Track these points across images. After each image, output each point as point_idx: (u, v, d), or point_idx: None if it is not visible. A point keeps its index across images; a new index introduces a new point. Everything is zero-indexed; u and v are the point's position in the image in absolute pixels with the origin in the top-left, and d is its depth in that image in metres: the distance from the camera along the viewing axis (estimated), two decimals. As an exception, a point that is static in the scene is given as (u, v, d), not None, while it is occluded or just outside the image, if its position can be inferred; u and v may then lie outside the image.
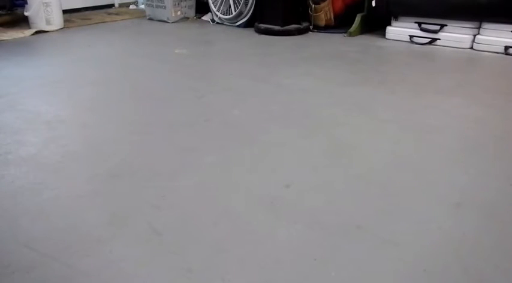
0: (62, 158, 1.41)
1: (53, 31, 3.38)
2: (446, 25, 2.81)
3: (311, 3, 3.23)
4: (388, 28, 3.07)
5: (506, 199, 1.17)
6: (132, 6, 4.50)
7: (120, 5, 4.55)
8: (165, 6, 3.68)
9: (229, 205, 1.15)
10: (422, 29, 2.89)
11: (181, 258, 0.96)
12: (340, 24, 3.28)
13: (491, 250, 0.98)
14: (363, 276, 0.92)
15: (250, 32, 3.32)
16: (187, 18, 3.85)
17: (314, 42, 3.04)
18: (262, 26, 3.26)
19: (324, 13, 3.25)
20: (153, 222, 1.08)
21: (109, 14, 4.16)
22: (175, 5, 3.70)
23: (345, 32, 3.17)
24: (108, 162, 1.38)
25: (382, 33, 3.11)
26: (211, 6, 3.60)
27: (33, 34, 3.24)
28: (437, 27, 2.83)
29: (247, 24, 3.44)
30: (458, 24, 2.78)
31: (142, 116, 1.76)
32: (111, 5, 4.51)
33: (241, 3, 3.37)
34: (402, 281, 0.90)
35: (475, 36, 2.75)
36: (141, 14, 4.07)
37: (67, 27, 3.50)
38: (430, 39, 2.87)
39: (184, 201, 1.17)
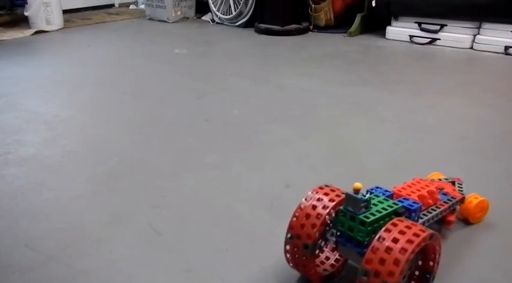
0: (62, 158, 1.41)
1: (53, 31, 3.38)
2: (446, 25, 2.81)
3: (311, 3, 3.23)
4: (388, 28, 3.07)
5: (506, 199, 1.17)
6: (132, 6, 4.50)
7: (120, 5, 4.55)
8: (165, 6, 3.68)
9: (229, 205, 1.15)
10: (422, 29, 2.89)
11: (181, 258, 0.96)
12: (340, 24, 3.28)
13: (491, 250, 0.98)
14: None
15: (250, 32, 3.32)
16: (187, 18, 3.85)
17: (314, 42, 3.04)
18: (262, 26, 3.27)
19: (324, 13, 3.26)
20: (153, 222, 1.08)
21: (109, 14, 4.17)
22: (175, 5, 3.70)
23: (345, 32, 3.17)
24: (108, 162, 1.38)
25: (382, 33, 3.11)
26: (211, 6, 3.60)
27: (33, 34, 3.24)
28: (437, 27, 2.83)
29: (247, 24, 3.44)
30: (458, 24, 2.78)
31: (142, 116, 1.77)
32: (111, 5, 4.51)
33: (241, 3, 3.37)
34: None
35: (475, 36, 2.75)
36: (141, 14, 4.07)
37: (67, 27, 3.50)
38: (430, 39, 2.88)
39: (184, 201, 1.17)
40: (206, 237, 1.02)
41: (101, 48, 2.91)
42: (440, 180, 1.10)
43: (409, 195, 0.89)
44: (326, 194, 0.83)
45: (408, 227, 0.72)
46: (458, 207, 1.04)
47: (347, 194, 0.78)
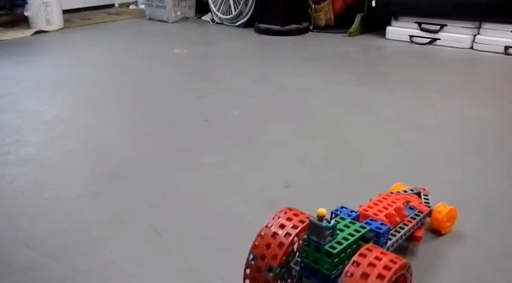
0: (62, 158, 1.41)
1: (53, 31, 3.38)
2: (446, 25, 2.81)
3: (311, 3, 3.23)
4: (388, 28, 3.07)
5: (506, 199, 1.17)
6: (132, 6, 4.49)
7: (120, 5, 4.55)
8: (165, 6, 3.68)
9: (229, 205, 1.15)
10: (422, 29, 2.89)
11: (181, 258, 0.96)
12: (340, 24, 3.28)
13: (491, 250, 0.98)
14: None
15: (250, 32, 3.32)
16: (187, 18, 3.85)
17: (314, 42, 3.04)
18: (262, 26, 3.26)
19: (324, 13, 3.26)
20: (153, 222, 1.08)
21: (109, 14, 4.16)
22: (175, 5, 3.70)
23: (345, 32, 3.17)
24: (108, 162, 1.38)
25: (382, 33, 3.11)
26: (211, 6, 3.60)
27: (33, 34, 3.24)
28: (437, 27, 2.83)
29: (247, 24, 3.44)
30: (458, 24, 2.78)
31: (142, 116, 1.77)
32: (111, 5, 4.51)
33: (241, 3, 3.37)
34: None
35: (475, 36, 2.75)
36: (141, 14, 4.07)
37: (67, 27, 3.50)
38: (430, 39, 2.88)
39: (184, 201, 1.17)
40: (206, 237, 1.02)
41: (101, 48, 2.91)
42: (405, 191, 1.05)
43: (376, 214, 0.84)
44: (283, 226, 0.76)
45: (378, 259, 0.67)
46: (426, 220, 0.99)
47: (310, 221, 0.71)
